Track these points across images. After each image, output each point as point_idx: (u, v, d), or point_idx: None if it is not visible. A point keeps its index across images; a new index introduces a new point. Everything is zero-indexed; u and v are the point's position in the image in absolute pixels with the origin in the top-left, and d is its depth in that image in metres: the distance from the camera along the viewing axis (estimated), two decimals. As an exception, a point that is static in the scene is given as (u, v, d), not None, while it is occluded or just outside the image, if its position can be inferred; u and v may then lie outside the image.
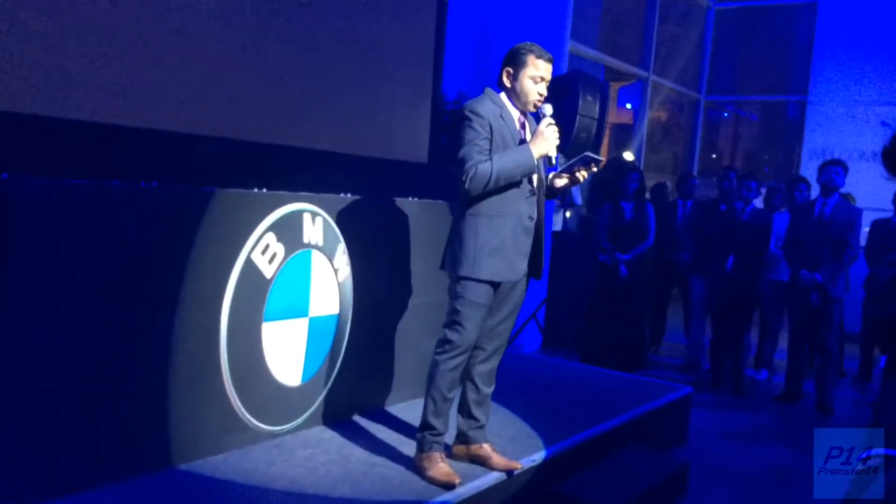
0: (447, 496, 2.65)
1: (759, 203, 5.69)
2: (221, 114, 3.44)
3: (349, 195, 3.27)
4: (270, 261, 2.89)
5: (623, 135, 9.49)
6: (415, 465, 2.83)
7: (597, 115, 5.59)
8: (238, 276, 2.76)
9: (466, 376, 2.91)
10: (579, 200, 6.61)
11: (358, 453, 2.98)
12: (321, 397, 3.21)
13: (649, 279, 5.86)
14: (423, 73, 4.64)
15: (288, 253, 2.97)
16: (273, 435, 2.99)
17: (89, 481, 2.39)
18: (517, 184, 2.71)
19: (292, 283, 3.01)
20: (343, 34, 4.01)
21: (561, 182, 2.88)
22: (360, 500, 2.57)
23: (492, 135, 2.67)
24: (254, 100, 3.59)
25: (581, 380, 4.50)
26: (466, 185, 2.63)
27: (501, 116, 2.72)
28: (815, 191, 5.36)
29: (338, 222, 3.19)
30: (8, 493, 2.19)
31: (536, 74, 2.72)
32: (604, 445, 3.52)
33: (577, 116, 5.41)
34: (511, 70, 2.75)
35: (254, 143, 3.53)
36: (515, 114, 2.79)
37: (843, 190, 5.14)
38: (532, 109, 2.79)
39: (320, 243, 3.11)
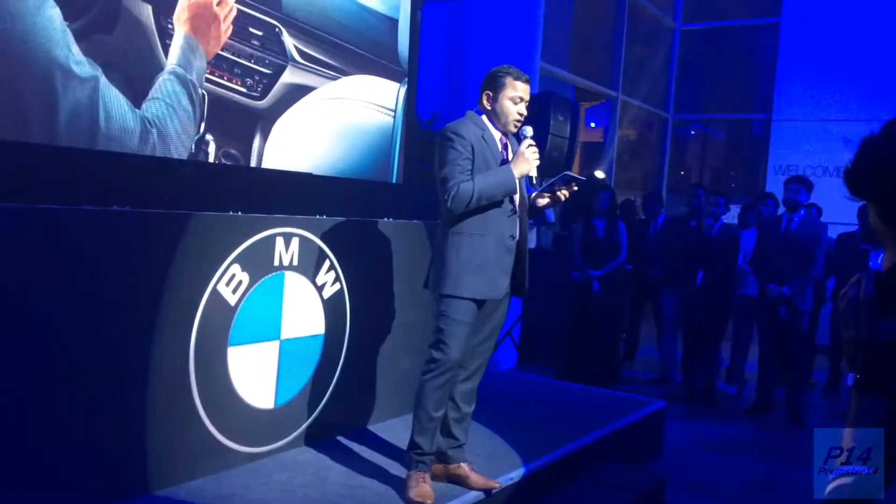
0: (423, 517, 2.66)
1: (730, 219, 5.80)
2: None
3: (324, 216, 3.29)
4: (234, 290, 2.86)
5: (592, 153, 9.63)
6: (404, 483, 2.84)
7: (568, 135, 5.68)
8: (204, 302, 2.73)
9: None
10: (552, 218, 6.69)
11: (335, 475, 2.96)
12: (301, 418, 3.20)
13: (624, 295, 5.93)
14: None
15: (254, 280, 2.93)
16: (250, 457, 2.97)
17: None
18: (499, 203, 2.76)
19: (260, 308, 2.98)
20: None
21: (543, 201, 2.95)
22: (340, 522, 2.56)
23: (473, 155, 2.73)
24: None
25: (557, 396, 4.53)
26: (449, 204, 2.67)
27: (483, 138, 2.79)
28: (782, 207, 5.49)
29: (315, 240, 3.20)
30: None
31: (515, 95, 2.79)
32: (581, 461, 3.54)
33: (549, 136, 5.50)
34: (490, 93, 2.82)
35: (221, 165, 3.54)
36: (497, 135, 2.85)
37: (808, 201, 5.26)
38: (513, 130, 2.85)
39: (295, 263, 3.11)
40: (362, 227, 3.48)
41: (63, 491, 2.37)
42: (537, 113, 5.50)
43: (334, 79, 4.24)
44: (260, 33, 3.78)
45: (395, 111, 4.72)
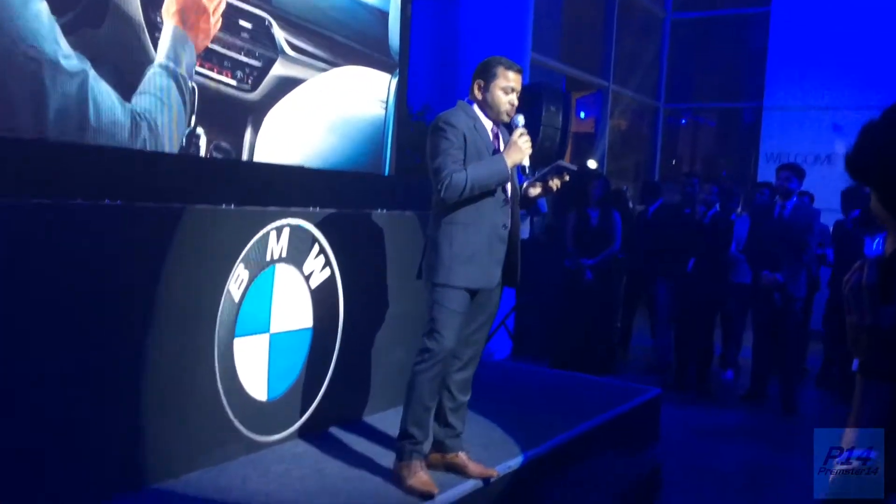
0: (425, 505, 2.66)
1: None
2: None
3: (317, 209, 3.28)
4: (239, 286, 2.90)
5: (583, 143, 9.63)
6: (394, 475, 2.83)
7: (560, 125, 5.67)
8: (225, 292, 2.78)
9: (442, 385, 2.93)
10: (545, 208, 6.69)
11: (333, 466, 2.97)
12: (296, 411, 3.20)
13: (618, 284, 5.94)
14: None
15: (253, 274, 2.97)
16: (252, 447, 2.98)
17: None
18: (491, 193, 2.76)
19: (257, 300, 3.01)
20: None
21: (535, 191, 2.94)
22: (338, 513, 2.57)
23: (466, 145, 2.72)
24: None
25: (552, 385, 4.54)
26: (442, 194, 2.67)
27: (475, 128, 2.78)
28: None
29: (308, 231, 3.20)
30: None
31: (507, 85, 2.79)
32: (578, 449, 3.55)
33: (541, 127, 5.49)
34: (482, 82, 2.81)
35: (213, 158, 3.53)
36: (488, 125, 2.84)
37: (800, 189, 5.28)
38: (505, 119, 2.85)
39: (286, 255, 3.10)
40: (355, 219, 3.47)
41: (66, 483, 2.36)
42: (529, 103, 5.49)
43: (325, 70, 4.22)
44: (249, 26, 3.76)
45: (386, 102, 4.70)
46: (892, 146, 1.09)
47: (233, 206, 2.90)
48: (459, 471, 2.93)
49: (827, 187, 6.51)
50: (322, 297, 3.27)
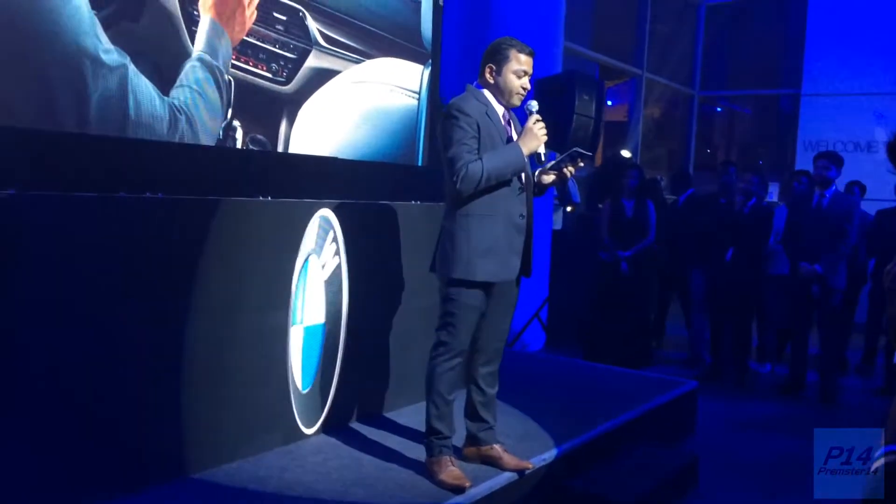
0: (459, 498, 2.66)
1: (772, 198, 5.70)
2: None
3: (351, 200, 3.28)
4: (296, 276, 3.02)
5: (615, 132, 9.51)
6: (426, 469, 2.84)
7: (593, 114, 5.60)
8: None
9: (470, 380, 2.92)
10: (578, 198, 6.63)
11: (369, 458, 2.99)
12: (322, 404, 3.22)
13: (653, 275, 5.87)
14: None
15: (300, 265, 3.04)
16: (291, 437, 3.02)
17: (104, 492, 2.40)
18: (507, 182, 2.69)
19: (299, 291, 3.05)
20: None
21: (548, 179, 2.87)
22: (375, 504, 2.58)
23: (479, 133, 2.65)
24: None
25: (587, 377, 4.51)
26: (458, 186, 2.60)
27: (487, 114, 2.71)
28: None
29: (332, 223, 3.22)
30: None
31: (519, 69, 2.71)
32: (614, 442, 3.53)
33: (574, 115, 5.42)
34: (493, 66, 2.73)
35: (249, 150, 3.55)
36: (500, 110, 2.77)
37: (847, 180, 5.16)
38: (516, 104, 2.77)
39: (321, 246, 3.12)
40: (388, 210, 3.46)
41: (103, 472, 2.41)
42: (562, 92, 5.43)
43: (359, 62, 4.21)
44: (284, 18, 3.77)
45: (419, 93, 4.69)
46: None
47: (269, 198, 2.92)
48: (494, 463, 2.93)
49: (869, 176, 6.37)
50: (354, 290, 3.28)
